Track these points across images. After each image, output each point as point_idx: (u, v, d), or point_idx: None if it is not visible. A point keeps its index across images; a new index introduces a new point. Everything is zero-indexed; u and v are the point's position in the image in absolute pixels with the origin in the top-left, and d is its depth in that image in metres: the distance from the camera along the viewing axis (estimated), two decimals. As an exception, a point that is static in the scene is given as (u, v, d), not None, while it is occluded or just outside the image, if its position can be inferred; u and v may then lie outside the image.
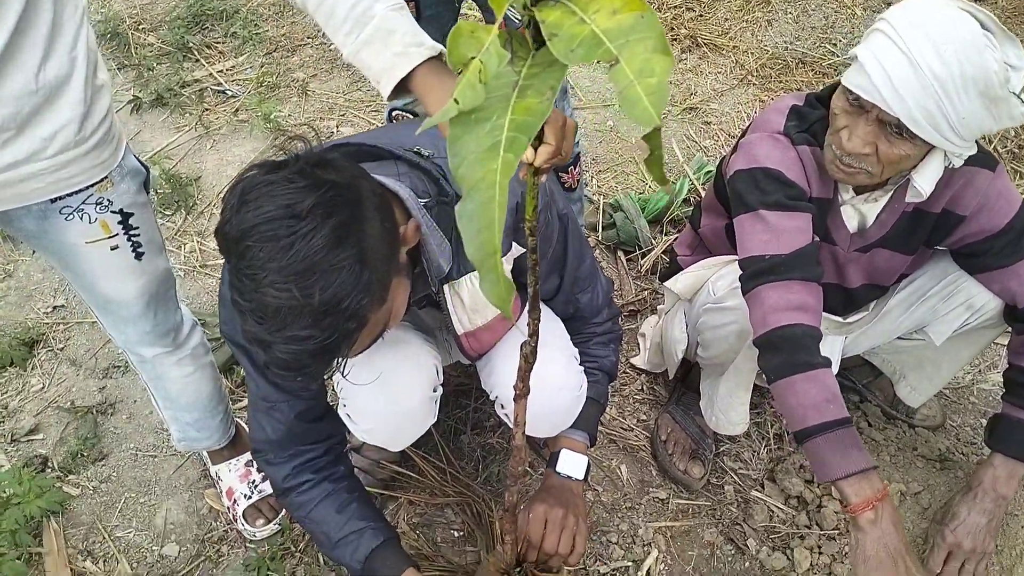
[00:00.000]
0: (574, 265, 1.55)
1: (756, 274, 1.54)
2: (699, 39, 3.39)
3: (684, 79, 3.24)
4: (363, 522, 1.47)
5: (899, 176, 1.55)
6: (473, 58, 0.69)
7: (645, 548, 1.86)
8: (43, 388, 2.25)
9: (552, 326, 1.60)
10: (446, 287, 1.40)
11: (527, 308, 1.10)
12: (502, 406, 1.59)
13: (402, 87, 1.04)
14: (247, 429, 2.03)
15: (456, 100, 0.68)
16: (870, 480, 1.40)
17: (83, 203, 1.35)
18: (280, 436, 1.47)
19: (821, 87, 1.65)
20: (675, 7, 3.54)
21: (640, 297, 2.47)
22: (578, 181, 2.25)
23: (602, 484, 1.99)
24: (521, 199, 1.37)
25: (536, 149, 0.90)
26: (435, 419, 1.60)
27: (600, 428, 2.09)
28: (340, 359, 1.11)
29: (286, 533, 1.90)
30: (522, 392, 1.23)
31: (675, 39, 3.40)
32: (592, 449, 1.69)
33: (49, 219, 1.35)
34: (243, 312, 1.03)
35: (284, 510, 1.91)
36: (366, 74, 1.06)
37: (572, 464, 1.62)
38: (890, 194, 1.60)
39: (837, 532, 1.85)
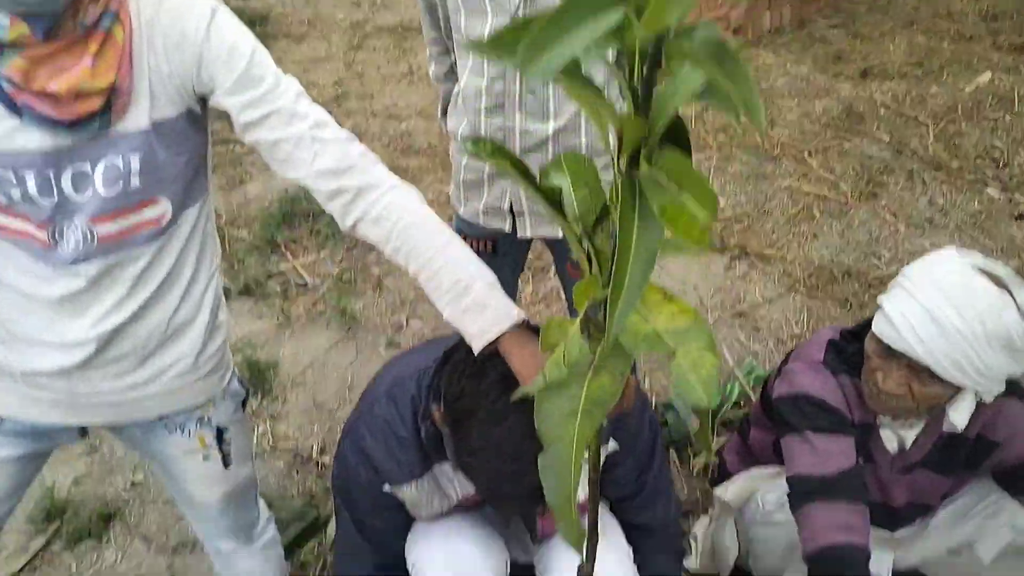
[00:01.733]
0: (657, 470, 1.65)
1: (804, 493, 1.62)
2: (748, 249, 3.60)
3: (734, 285, 3.42)
4: None
5: (936, 407, 1.65)
6: (559, 345, 0.85)
7: None
8: (116, 562, 2.36)
9: (608, 525, 1.69)
10: None
11: (588, 528, 1.20)
12: None
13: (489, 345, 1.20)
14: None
15: (544, 375, 0.84)
16: None
17: (186, 420, 1.49)
18: None
19: (867, 296, 1.79)
20: (725, 218, 3.79)
21: (693, 498, 2.52)
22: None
23: None
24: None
25: None
26: None
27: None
28: None
29: None
30: (576, 596, 1.30)
31: (725, 248, 3.62)
32: None
33: (153, 431, 1.49)
34: (489, 459, 1.20)
35: None
36: (462, 333, 1.21)
37: None
38: (924, 420, 1.69)
39: None
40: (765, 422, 1.95)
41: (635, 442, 1.58)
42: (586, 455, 1.10)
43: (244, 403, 1.61)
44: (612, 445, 1.57)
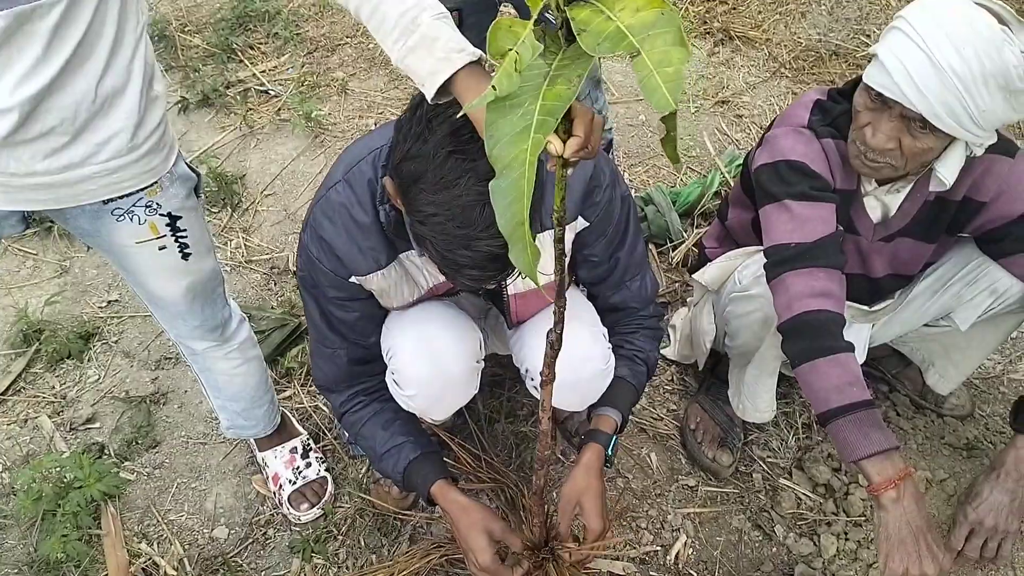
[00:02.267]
0: (630, 249, 1.61)
1: (781, 262, 1.58)
2: (732, 32, 3.41)
3: (716, 72, 3.27)
4: (404, 437, 1.62)
5: (921, 167, 1.58)
6: (510, 49, 0.76)
7: (674, 533, 1.91)
8: (99, 379, 2.37)
9: (580, 304, 1.68)
10: None
11: (555, 295, 1.17)
12: (532, 379, 1.66)
13: (444, 90, 1.11)
14: (291, 417, 2.14)
15: (494, 87, 0.75)
16: (892, 460, 1.43)
17: (133, 205, 1.43)
18: (338, 375, 1.64)
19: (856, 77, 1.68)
20: (708, 1, 3.56)
21: (671, 289, 2.51)
22: None
23: (632, 472, 2.05)
24: (594, 169, 1.47)
25: (565, 142, 0.96)
26: (476, 390, 1.67)
27: (631, 417, 2.15)
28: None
29: (329, 517, 1.99)
30: (548, 378, 1.29)
31: (708, 32, 3.43)
32: (622, 435, 1.73)
33: (102, 219, 1.43)
34: (441, 224, 1.15)
35: (327, 495, 2.00)
36: (412, 78, 1.12)
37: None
38: (912, 184, 1.63)
39: (863, 519, 1.88)
40: (744, 200, 1.88)
41: (605, 218, 1.51)
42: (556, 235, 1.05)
43: (197, 190, 1.54)
44: (581, 222, 1.51)
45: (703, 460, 2.05)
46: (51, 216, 1.43)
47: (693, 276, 2.06)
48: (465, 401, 1.67)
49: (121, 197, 1.40)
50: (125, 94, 1.29)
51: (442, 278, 1.51)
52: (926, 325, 1.93)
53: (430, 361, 1.54)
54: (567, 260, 1.55)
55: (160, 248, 1.51)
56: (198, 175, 1.55)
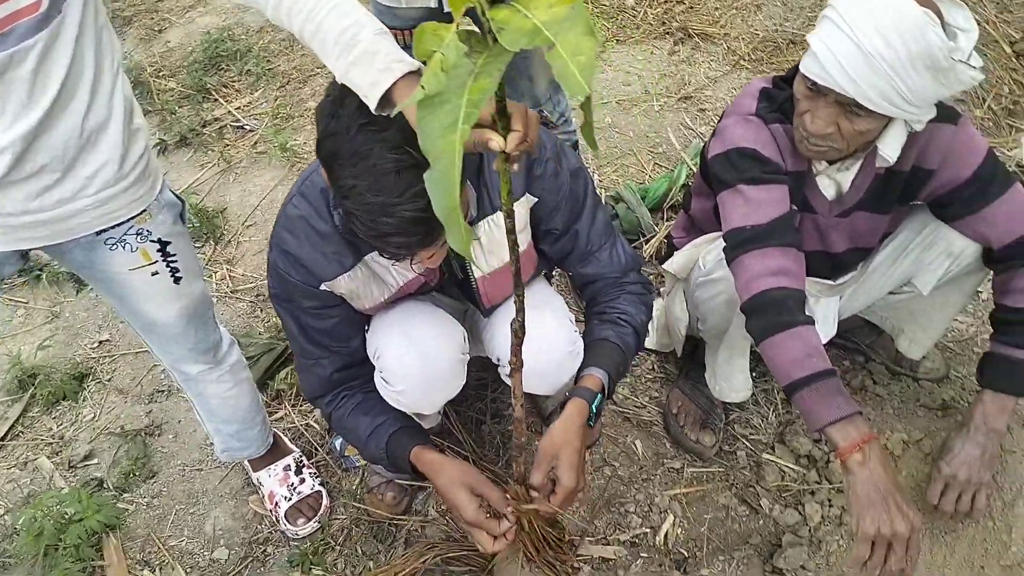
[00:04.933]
0: (588, 219, 1.64)
1: (738, 244, 1.63)
2: (690, 30, 3.48)
3: (678, 70, 3.34)
4: (384, 416, 1.65)
5: (865, 146, 1.63)
6: (435, 51, 0.82)
7: (662, 515, 1.95)
8: (95, 417, 2.41)
9: (545, 292, 1.74)
10: None
11: (513, 284, 1.22)
12: (503, 367, 1.71)
13: (387, 100, 1.16)
14: (283, 437, 2.18)
15: (423, 86, 0.81)
16: (855, 424, 1.47)
17: (125, 234, 1.49)
18: (324, 385, 1.68)
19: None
20: (665, 2, 3.64)
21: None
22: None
23: (618, 460, 2.09)
24: (535, 151, 1.51)
25: (505, 137, 1.02)
26: (463, 382, 1.71)
27: (614, 407, 2.20)
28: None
29: (326, 529, 2.03)
30: (515, 365, 1.34)
31: (667, 32, 3.50)
32: (610, 397, 1.68)
33: (96, 250, 1.49)
34: (361, 194, 1.19)
35: (322, 508, 2.04)
36: (357, 92, 1.18)
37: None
38: (860, 161, 1.69)
39: (846, 485, 1.92)
40: (704, 189, 1.94)
41: (554, 191, 1.56)
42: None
43: (183, 216, 1.61)
44: (530, 198, 1.56)
45: (687, 442, 2.09)
46: (47, 252, 1.49)
47: (663, 266, 2.11)
48: (453, 394, 1.71)
49: (113, 227, 1.46)
50: (108, 128, 1.36)
51: (411, 275, 1.57)
52: (891, 293, 1.98)
53: (416, 355, 1.58)
54: (528, 237, 1.62)
55: (153, 274, 1.57)
56: (183, 201, 1.62)
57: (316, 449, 2.23)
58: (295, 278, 1.52)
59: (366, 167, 1.17)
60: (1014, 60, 3.26)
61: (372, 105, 1.15)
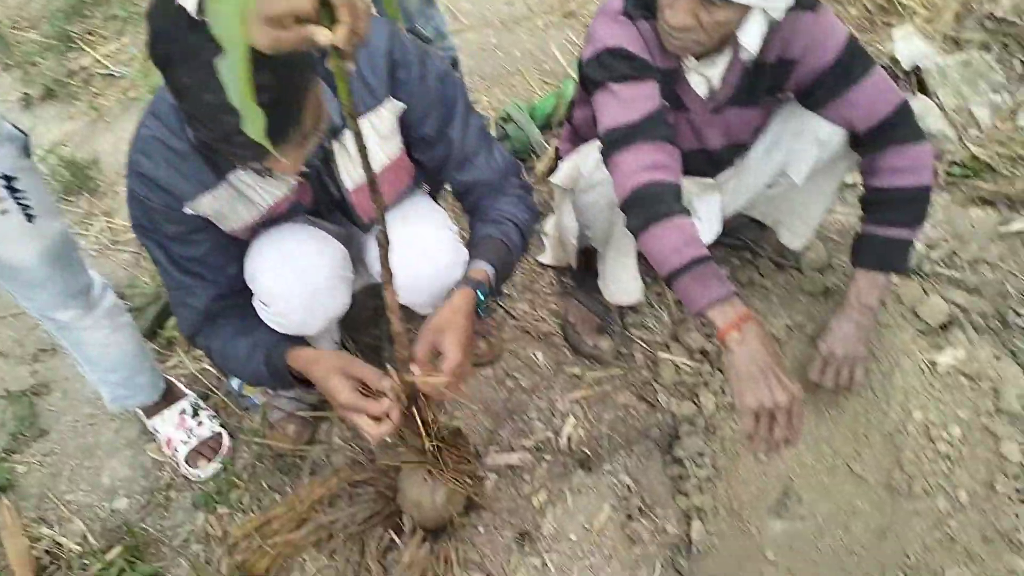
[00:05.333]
0: (462, 124, 1.61)
1: (612, 143, 1.63)
2: (570, -54, 3.43)
3: (561, -15, 3.30)
4: (262, 334, 1.60)
5: (731, 38, 1.64)
6: None
7: (564, 418, 1.99)
8: (-23, 383, 2.30)
9: (421, 203, 1.71)
10: (335, 144, 1.49)
11: (371, 193, 1.19)
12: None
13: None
14: (175, 382, 2.12)
15: None
16: (732, 304, 1.51)
17: None
18: (202, 318, 1.61)
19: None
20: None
21: (542, 200, 2.56)
22: None
23: (520, 372, 2.11)
24: (391, 46, 1.47)
25: (331, 30, 0.97)
26: (349, 301, 1.68)
27: (514, 321, 2.22)
28: (295, 127, 1.21)
29: (228, 469, 1.99)
30: (385, 278, 1.32)
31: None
32: (498, 293, 1.69)
33: None
34: (197, 94, 1.13)
35: (224, 449, 2.00)
36: None
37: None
38: (727, 56, 1.70)
39: (737, 373, 1.98)
40: (584, 96, 1.93)
41: (422, 95, 1.53)
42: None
43: (27, 149, 1.52)
44: (397, 104, 1.52)
45: (585, 348, 2.12)
46: None
47: (550, 179, 2.11)
48: (337, 311, 1.67)
49: None
50: None
51: (281, 193, 1.52)
52: (769, 187, 2.03)
53: (293, 274, 1.54)
54: (399, 145, 1.58)
55: (2, 212, 1.49)
56: (25, 134, 1.53)
57: (214, 391, 2.18)
58: (155, 202, 1.45)
59: (198, 64, 1.11)
60: (885, -40, 3.34)
61: (190, 7, 1.09)
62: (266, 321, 1.60)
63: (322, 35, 0.95)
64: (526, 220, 1.69)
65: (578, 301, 2.20)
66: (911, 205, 1.72)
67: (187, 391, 2.12)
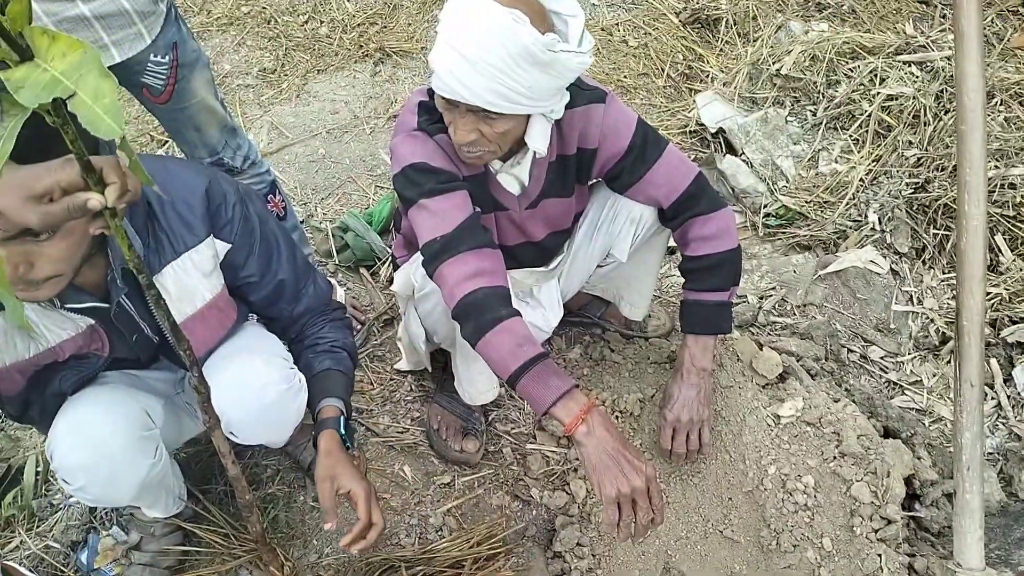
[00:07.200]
0: (288, 262, 1.64)
1: (433, 257, 1.65)
2: (388, 49, 3.52)
3: (383, 90, 3.36)
4: None
5: (519, 141, 1.69)
6: None
7: (438, 532, 1.95)
8: None
9: (250, 335, 1.68)
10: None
11: (175, 339, 1.15)
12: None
13: None
14: (17, 568, 1.95)
15: None
16: (574, 399, 1.53)
17: None
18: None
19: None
20: (358, 25, 3.65)
21: (392, 305, 2.55)
22: (284, 208, 2.31)
23: (389, 490, 2.06)
24: (208, 185, 1.46)
25: (103, 192, 0.95)
26: (155, 459, 1.59)
27: (377, 438, 2.17)
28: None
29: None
30: (211, 424, 1.27)
31: (366, 55, 3.52)
32: (352, 422, 1.69)
33: None
34: None
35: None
36: None
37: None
38: (530, 154, 1.75)
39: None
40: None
41: (247, 234, 1.54)
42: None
43: None
44: (221, 245, 1.51)
45: (452, 454, 2.10)
46: None
47: (391, 288, 2.10)
48: (142, 474, 1.57)
49: None
50: None
51: (66, 335, 1.44)
52: (600, 266, 2.10)
53: (85, 446, 1.46)
54: (220, 282, 1.55)
55: None
56: None
57: (62, 568, 2.01)
58: None
59: None
60: (683, 28, 3.58)
61: None
62: (68, 493, 1.52)
63: (95, 200, 0.94)
64: (352, 344, 1.78)
65: (440, 405, 2.18)
66: (723, 269, 1.82)
67: (29, 574, 1.95)
